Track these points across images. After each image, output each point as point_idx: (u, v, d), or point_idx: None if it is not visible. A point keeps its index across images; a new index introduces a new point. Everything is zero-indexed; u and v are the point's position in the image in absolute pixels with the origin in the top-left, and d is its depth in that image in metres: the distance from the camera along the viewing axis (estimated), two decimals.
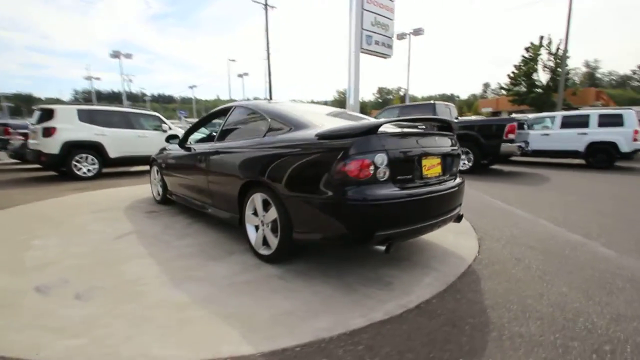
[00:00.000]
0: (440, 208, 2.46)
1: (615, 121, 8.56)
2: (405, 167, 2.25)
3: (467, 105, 61.88)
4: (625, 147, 8.37)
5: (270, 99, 29.00)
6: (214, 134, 4.23)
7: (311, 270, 2.49)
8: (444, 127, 2.91)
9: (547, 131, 9.55)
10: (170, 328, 1.77)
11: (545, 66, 28.20)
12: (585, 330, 1.81)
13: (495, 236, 3.38)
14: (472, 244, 3.15)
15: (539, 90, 27.43)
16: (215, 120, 4.32)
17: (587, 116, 8.99)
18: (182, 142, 4.06)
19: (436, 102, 9.45)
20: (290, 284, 2.29)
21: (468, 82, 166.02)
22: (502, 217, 4.15)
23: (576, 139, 9.06)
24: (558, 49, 26.94)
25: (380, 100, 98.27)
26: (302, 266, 2.55)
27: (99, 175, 7.30)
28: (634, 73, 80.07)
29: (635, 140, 8.29)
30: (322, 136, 2.24)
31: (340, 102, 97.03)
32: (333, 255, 2.76)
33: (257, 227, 2.74)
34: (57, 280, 2.31)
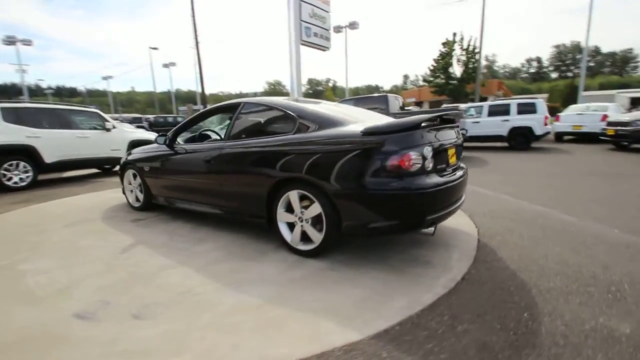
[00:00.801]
0: (461, 191, 2.80)
1: (530, 109, 10.20)
2: (441, 157, 2.53)
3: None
4: (538, 130, 10.08)
5: (202, 90, 27.38)
6: (203, 133, 4.06)
7: (352, 259, 2.64)
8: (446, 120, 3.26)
9: (478, 119, 10.94)
10: (267, 329, 1.78)
11: (458, 60, 31.63)
12: (592, 277, 2.30)
13: (480, 212, 3.90)
14: (467, 220, 3.61)
15: (455, 82, 30.66)
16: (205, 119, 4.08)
17: (508, 105, 10.53)
18: (171, 142, 3.77)
19: (388, 94, 10.10)
20: (344, 273, 2.41)
21: (390, 74, 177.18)
22: (472, 195, 4.76)
23: (501, 125, 10.57)
24: (469, 45, 30.39)
25: (310, 92, 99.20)
26: (342, 257, 2.68)
27: (34, 184, 6.26)
28: (523, 66, 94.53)
29: (545, 124, 10.02)
30: (368, 132, 2.37)
31: (270, 93, 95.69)
32: (358, 244, 2.93)
33: (289, 225, 2.78)
34: (95, 303, 2.08)
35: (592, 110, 12.02)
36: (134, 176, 4.29)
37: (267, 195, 2.81)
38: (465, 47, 30.74)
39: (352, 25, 23.14)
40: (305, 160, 2.56)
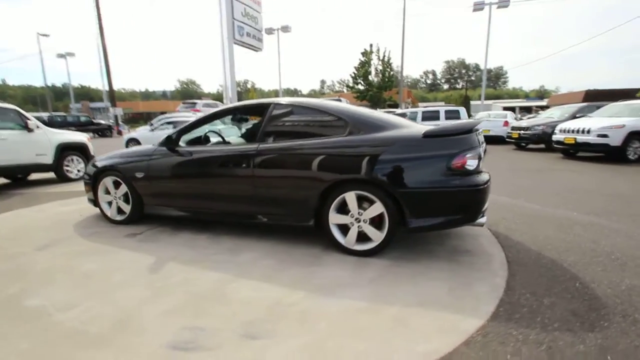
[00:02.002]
0: None
1: (455, 115, 11.78)
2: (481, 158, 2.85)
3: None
4: None
5: (110, 85, 23.98)
6: (210, 134, 3.73)
7: (405, 254, 2.77)
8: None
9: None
10: (396, 328, 1.80)
11: (376, 69, 34.37)
12: (592, 250, 2.87)
13: None
14: None
15: (375, 89, 33.21)
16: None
17: (438, 112, 11.97)
18: (175, 145, 3.35)
19: (341, 97, 10.51)
20: (411, 268, 2.53)
21: (307, 78, 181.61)
22: None
23: None
24: (384, 56, 33.29)
25: None
26: (394, 253, 2.78)
27: None
28: (421, 77, 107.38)
29: None
30: (429, 135, 2.55)
31: (182, 92, 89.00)
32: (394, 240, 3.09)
33: (340, 226, 2.78)
34: (183, 331, 1.79)
35: (494, 117, 14.42)
36: (116, 184, 3.66)
37: (319, 198, 2.76)
38: (381, 57, 33.65)
39: (285, 29, 23.22)
40: (367, 161, 2.60)
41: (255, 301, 2.07)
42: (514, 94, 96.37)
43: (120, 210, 3.71)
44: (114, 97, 24.25)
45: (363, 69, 33.66)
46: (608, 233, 3.28)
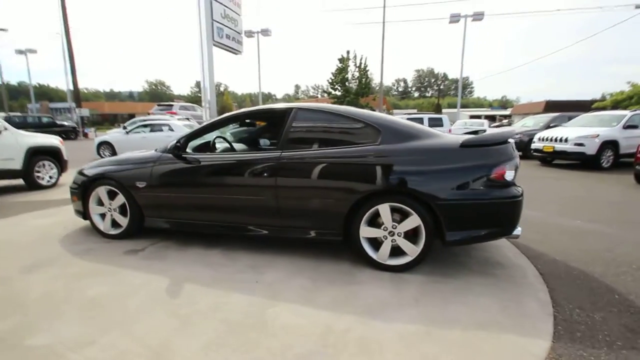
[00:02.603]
0: None
1: (438, 123, 12.05)
2: None
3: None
4: None
5: (75, 84, 22.42)
6: (217, 140, 3.47)
7: (440, 269, 2.67)
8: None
9: None
10: (468, 357, 1.67)
11: (353, 76, 34.79)
12: (613, 260, 2.91)
13: None
14: None
15: (352, 95, 33.57)
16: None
17: (422, 119, 12.20)
18: (183, 151, 3.05)
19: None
20: (450, 284, 2.43)
21: (282, 83, 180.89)
22: None
23: None
24: (361, 63, 33.82)
25: (199, 95, 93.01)
26: (427, 268, 2.67)
27: None
28: (393, 85, 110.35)
29: None
30: (467, 144, 2.47)
31: (151, 94, 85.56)
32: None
33: (370, 239, 2.64)
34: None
35: (470, 125, 14.95)
36: (111, 194, 3.29)
37: (349, 210, 2.60)
38: (358, 64, 34.14)
39: (265, 32, 22.85)
40: (403, 172, 2.48)
41: (303, 328, 1.87)
42: (479, 103, 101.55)
43: (115, 224, 3.34)
44: (79, 97, 22.74)
45: (340, 75, 33.96)
46: (618, 242, 3.36)
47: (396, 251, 2.60)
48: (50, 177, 6.21)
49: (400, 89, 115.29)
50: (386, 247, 2.59)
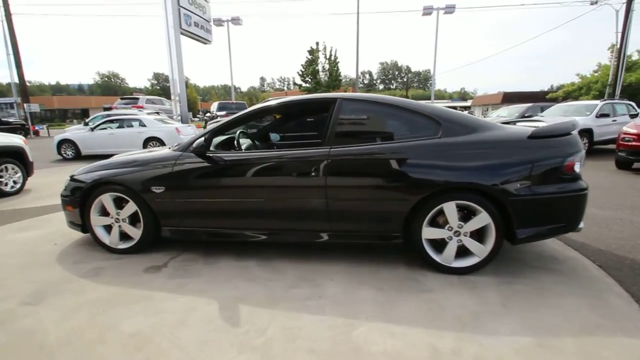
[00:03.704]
0: None
1: None
2: None
3: (255, 97, 66.20)
4: None
5: (21, 77, 20.06)
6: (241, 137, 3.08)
7: (500, 268, 2.53)
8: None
9: None
10: (602, 353, 1.51)
11: (323, 68, 34.43)
12: None
13: None
14: None
15: (324, 88, 33.28)
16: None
17: None
18: (207, 150, 2.64)
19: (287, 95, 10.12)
20: (529, 286, 2.28)
21: (247, 75, 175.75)
22: None
23: None
24: (331, 55, 33.54)
25: (158, 87, 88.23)
26: (487, 268, 2.50)
27: None
28: (359, 77, 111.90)
29: None
30: (536, 135, 2.32)
31: (103, 87, 79.70)
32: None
33: (430, 241, 2.43)
34: None
35: None
36: (118, 202, 2.80)
37: (411, 210, 2.37)
38: (327, 56, 33.81)
39: (236, 21, 21.72)
40: (470, 166, 2.29)
41: (406, 352, 1.62)
42: (440, 95, 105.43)
43: (124, 236, 2.86)
44: (26, 91, 20.45)
45: (310, 66, 33.46)
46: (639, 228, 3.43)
47: (461, 252, 2.42)
48: (15, 182, 5.37)
49: (366, 82, 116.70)
50: (451, 249, 2.40)
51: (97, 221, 2.86)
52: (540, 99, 27.55)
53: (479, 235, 2.40)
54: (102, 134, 10.41)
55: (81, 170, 2.99)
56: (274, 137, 3.85)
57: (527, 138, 2.33)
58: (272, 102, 2.81)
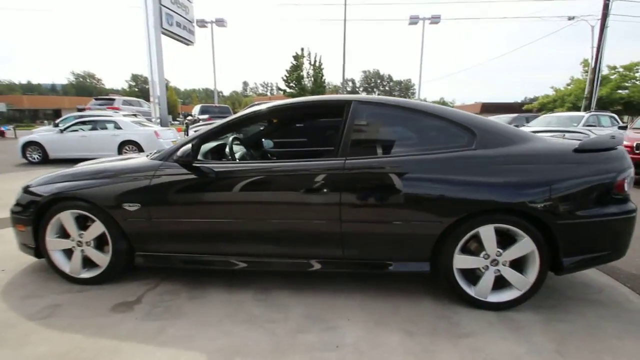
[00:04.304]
0: None
1: None
2: None
3: (238, 101, 65.27)
4: None
5: None
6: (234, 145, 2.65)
7: (537, 301, 2.19)
8: None
9: None
10: None
11: (308, 74, 34.24)
12: None
13: None
14: None
15: (308, 94, 33.02)
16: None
17: None
18: (194, 159, 2.18)
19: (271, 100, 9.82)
20: (580, 323, 1.95)
21: (229, 79, 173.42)
22: None
23: None
24: (316, 60, 33.44)
25: (136, 89, 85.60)
26: (527, 304, 2.14)
27: None
28: (342, 84, 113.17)
29: None
30: (583, 149, 2.00)
31: (78, 87, 76.54)
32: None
33: (462, 271, 2.06)
34: None
35: None
36: (81, 221, 2.29)
37: (442, 234, 2.00)
38: (312, 62, 33.67)
39: (220, 22, 21.09)
40: (513, 184, 1.94)
41: None
42: None
43: (88, 262, 2.34)
44: None
45: (295, 72, 33.21)
46: None
47: (497, 284, 2.06)
48: None
49: (349, 89, 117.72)
50: (488, 280, 2.03)
51: (54, 244, 2.33)
52: (516, 110, 28.35)
53: (517, 264, 2.05)
54: (72, 136, 9.60)
55: (38, 181, 2.45)
56: (267, 144, 3.42)
57: (573, 152, 2.01)
58: (273, 104, 2.38)
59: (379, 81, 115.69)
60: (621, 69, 25.63)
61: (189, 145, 2.12)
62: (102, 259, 2.30)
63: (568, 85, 29.78)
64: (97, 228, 2.26)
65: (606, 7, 19.71)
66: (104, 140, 9.43)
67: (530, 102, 36.69)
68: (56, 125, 11.96)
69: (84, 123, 10.07)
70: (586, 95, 21.84)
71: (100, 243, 2.32)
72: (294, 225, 2.13)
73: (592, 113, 9.89)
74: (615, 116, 10.69)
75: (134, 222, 2.22)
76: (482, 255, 2.03)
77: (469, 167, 1.99)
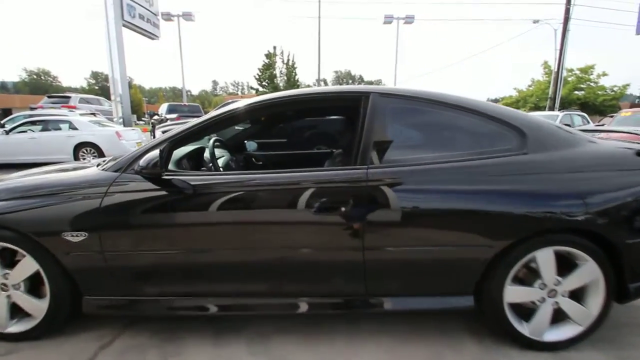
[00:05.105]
0: None
1: None
2: None
3: (208, 101, 63.25)
4: None
5: None
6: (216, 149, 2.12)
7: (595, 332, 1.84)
8: None
9: None
10: None
11: (281, 72, 33.51)
12: None
13: None
14: None
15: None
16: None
17: None
18: (164, 168, 1.62)
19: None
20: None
21: (198, 78, 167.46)
22: None
23: None
24: (289, 59, 32.83)
25: (97, 87, 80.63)
26: (586, 341, 1.79)
27: None
28: (313, 84, 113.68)
29: None
30: None
31: (32, 85, 70.93)
32: None
33: (514, 305, 1.67)
34: None
35: None
36: (6, 256, 1.67)
37: (491, 261, 1.58)
38: (285, 61, 32.98)
39: (188, 16, 19.88)
40: (577, 195, 1.56)
41: None
42: None
43: (17, 312, 1.72)
44: None
45: (268, 70, 32.42)
46: None
47: (553, 318, 1.68)
48: None
49: None
50: (544, 315, 1.64)
51: None
52: None
53: (575, 294, 1.68)
54: (19, 138, 8.49)
55: None
56: (251, 146, 2.88)
57: (635, 155, 1.67)
58: (267, 96, 1.86)
59: (350, 81, 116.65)
60: (578, 71, 27.10)
61: (156, 152, 1.55)
62: (37, 307, 1.69)
63: (529, 86, 31.15)
64: (29, 266, 1.65)
65: (567, 12, 20.68)
66: (56, 142, 8.38)
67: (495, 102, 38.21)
68: (2, 126, 10.63)
69: (33, 123, 8.96)
70: (550, 96, 22.88)
71: (34, 285, 1.70)
72: (299, 254, 1.63)
73: (566, 112, 10.10)
74: (586, 116, 11.01)
75: (79, 257, 1.62)
76: (537, 285, 1.63)
77: (523, 176, 1.59)
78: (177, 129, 1.76)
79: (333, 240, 1.60)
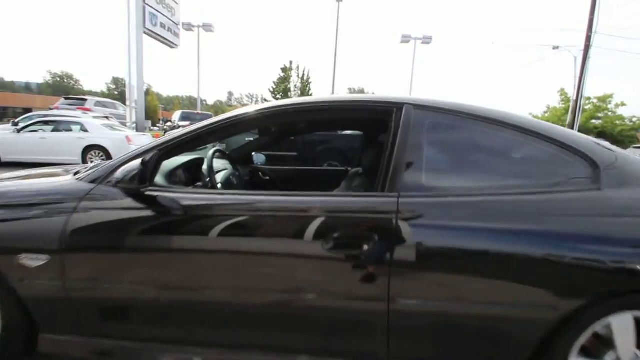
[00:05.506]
0: None
1: None
2: None
3: (222, 110, 64.30)
4: None
5: None
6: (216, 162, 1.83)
7: None
8: None
9: None
10: None
11: (295, 86, 33.81)
12: None
13: None
14: None
15: None
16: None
17: None
18: (149, 181, 1.33)
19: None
20: None
21: (214, 88, 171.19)
22: None
23: None
24: (304, 74, 33.17)
25: (116, 92, 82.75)
26: None
27: None
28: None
29: None
30: None
31: (55, 87, 73.28)
32: None
33: None
34: None
35: None
36: None
37: (552, 327, 1.22)
38: (300, 75, 33.31)
39: (208, 27, 20.28)
40: None
41: None
42: None
43: None
44: None
45: (283, 84, 32.75)
46: None
47: None
48: None
49: None
50: None
51: None
52: None
53: None
54: (30, 137, 8.45)
55: None
56: (259, 159, 2.59)
57: None
58: (280, 102, 1.57)
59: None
60: (595, 100, 26.59)
61: (139, 161, 1.27)
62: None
63: (545, 112, 30.63)
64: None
65: (589, 39, 20.40)
66: (66, 143, 8.32)
67: None
68: (15, 124, 10.70)
69: (46, 123, 8.95)
70: (569, 123, 22.36)
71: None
72: (307, 301, 1.30)
73: None
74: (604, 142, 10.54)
75: (37, 285, 1.32)
76: (607, 358, 1.26)
77: (598, 217, 1.25)
78: (169, 135, 1.48)
79: (349, 284, 1.27)
